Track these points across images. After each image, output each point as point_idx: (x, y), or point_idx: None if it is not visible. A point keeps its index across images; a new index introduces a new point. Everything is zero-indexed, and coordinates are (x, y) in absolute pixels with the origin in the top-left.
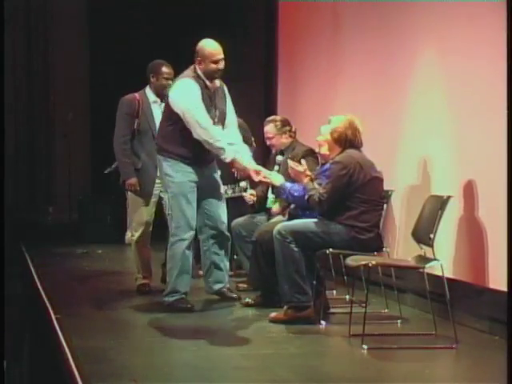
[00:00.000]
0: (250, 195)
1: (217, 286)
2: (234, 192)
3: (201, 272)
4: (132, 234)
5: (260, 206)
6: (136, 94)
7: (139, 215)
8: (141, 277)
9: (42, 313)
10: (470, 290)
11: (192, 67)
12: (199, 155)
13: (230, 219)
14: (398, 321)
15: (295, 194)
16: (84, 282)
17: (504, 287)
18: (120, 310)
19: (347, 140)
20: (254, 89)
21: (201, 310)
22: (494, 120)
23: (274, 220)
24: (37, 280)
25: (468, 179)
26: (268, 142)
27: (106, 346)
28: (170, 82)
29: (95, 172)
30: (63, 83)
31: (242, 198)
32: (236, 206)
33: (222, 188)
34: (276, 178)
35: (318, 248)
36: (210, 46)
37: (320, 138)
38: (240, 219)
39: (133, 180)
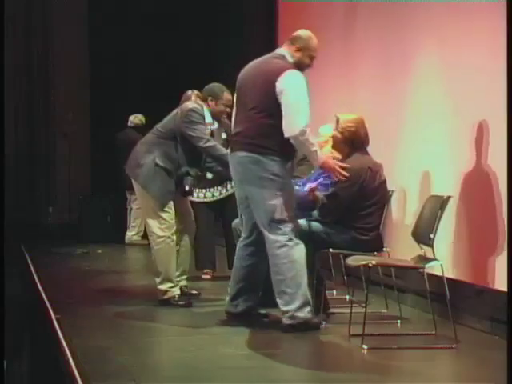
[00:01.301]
0: None
1: (245, 305)
2: (220, 194)
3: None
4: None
5: None
6: None
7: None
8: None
9: (42, 313)
10: (470, 290)
11: (279, 54)
12: (293, 153)
13: (229, 219)
14: (398, 321)
15: (297, 195)
16: (84, 282)
17: (504, 287)
18: (120, 310)
19: (360, 140)
20: None
21: (201, 310)
22: (494, 120)
23: None
24: (37, 280)
25: (468, 179)
26: None
27: (105, 346)
28: (229, 109)
29: (95, 172)
30: (63, 83)
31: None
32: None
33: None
34: None
35: (318, 248)
36: (314, 40)
37: (320, 139)
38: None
39: None
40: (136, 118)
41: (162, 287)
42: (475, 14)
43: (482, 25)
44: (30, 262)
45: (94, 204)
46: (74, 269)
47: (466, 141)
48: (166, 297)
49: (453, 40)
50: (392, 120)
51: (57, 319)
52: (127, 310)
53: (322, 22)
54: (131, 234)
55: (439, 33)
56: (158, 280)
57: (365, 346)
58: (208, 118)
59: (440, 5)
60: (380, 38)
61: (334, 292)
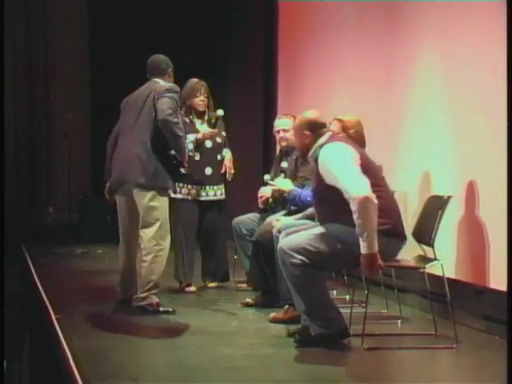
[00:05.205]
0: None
1: None
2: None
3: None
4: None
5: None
6: None
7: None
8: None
9: (42, 313)
10: (470, 290)
11: None
12: None
13: (210, 223)
14: (398, 321)
15: (307, 198)
16: (84, 282)
17: (504, 287)
18: (120, 310)
19: (357, 143)
20: (253, 88)
21: (201, 311)
22: (494, 120)
23: (272, 219)
24: (37, 280)
25: (468, 179)
26: (281, 134)
27: (105, 346)
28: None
29: (95, 172)
30: (63, 83)
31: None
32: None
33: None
34: (284, 184)
35: None
36: None
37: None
38: (241, 217)
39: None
40: None
41: (145, 294)
42: (477, 17)
43: (484, 29)
44: (30, 261)
45: (94, 204)
46: (73, 269)
47: (466, 141)
48: (145, 302)
49: (454, 39)
50: (392, 120)
51: (57, 319)
52: (127, 310)
53: (320, 21)
54: None
55: (440, 33)
56: (145, 287)
57: (365, 346)
58: None
59: (440, 11)
60: (379, 38)
61: (334, 292)
